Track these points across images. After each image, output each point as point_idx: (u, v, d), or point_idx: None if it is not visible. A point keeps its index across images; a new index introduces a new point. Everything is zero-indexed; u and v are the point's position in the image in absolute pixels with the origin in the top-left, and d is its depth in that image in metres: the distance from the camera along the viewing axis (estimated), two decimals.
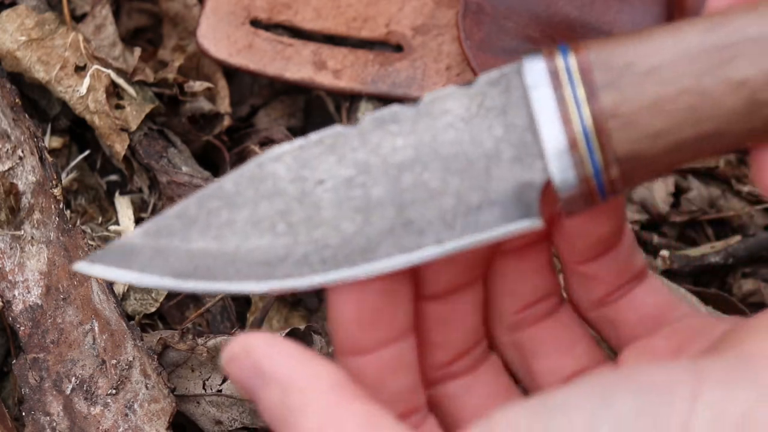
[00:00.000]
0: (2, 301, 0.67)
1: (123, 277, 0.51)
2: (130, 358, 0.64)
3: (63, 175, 0.73)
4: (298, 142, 0.51)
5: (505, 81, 0.50)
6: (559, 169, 0.49)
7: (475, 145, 0.50)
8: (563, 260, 0.56)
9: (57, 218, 0.68)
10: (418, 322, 0.55)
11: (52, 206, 0.69)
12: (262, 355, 0.50)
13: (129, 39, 0.78)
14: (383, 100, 0.75)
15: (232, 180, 0.51)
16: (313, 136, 0.51)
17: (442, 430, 0.55)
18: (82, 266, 0.51)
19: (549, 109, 0.49)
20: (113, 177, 0.75)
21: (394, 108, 0.51)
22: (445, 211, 0.50)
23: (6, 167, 0.70)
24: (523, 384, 0.58)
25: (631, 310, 0.56)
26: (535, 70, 0.49)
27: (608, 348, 0.59)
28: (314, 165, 0.51)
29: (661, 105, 0.48)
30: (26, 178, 0.70)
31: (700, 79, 0.48)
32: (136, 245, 0.51)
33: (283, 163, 0.51)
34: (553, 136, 0.49)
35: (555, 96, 0.49)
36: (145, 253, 0.51)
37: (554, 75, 0.49)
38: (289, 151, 0.51)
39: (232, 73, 0.78)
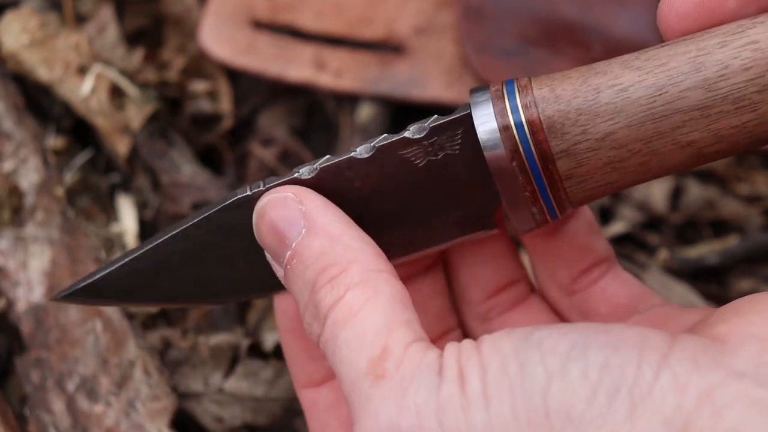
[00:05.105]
0: (5, 301, 0.67)
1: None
2: (132, 357, 0.65)
3: (66, 176, 0.73)
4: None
5: (453, 127, 0.52)
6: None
7: (434, 183, 0.52)
8: (523, 241, 0.58)
9: (60, 218, 0.69)
10: None
11: (55, 206, 0.69)
12: (314, 207, 0.50)
13: (131, 40, 0.78)
14: (384, 100, 0.75)
15: None
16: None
17: None
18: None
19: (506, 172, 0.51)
20: (115, 177, 0.75)
21: (350, 154, 0.52)
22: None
23: (9, 167, 0.70)
24: None
25: (602, 301, 0.57)
26: (486, 131, 0.51)
27: None
28: None
29: (614, 165, 0.51)
30: (29, 178, 0.70)
31: (651, 143, 0.50)
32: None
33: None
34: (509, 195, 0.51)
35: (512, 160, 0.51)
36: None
37: (507, 138, 0.51)
38: None
39: (233, 73, 0.78)
